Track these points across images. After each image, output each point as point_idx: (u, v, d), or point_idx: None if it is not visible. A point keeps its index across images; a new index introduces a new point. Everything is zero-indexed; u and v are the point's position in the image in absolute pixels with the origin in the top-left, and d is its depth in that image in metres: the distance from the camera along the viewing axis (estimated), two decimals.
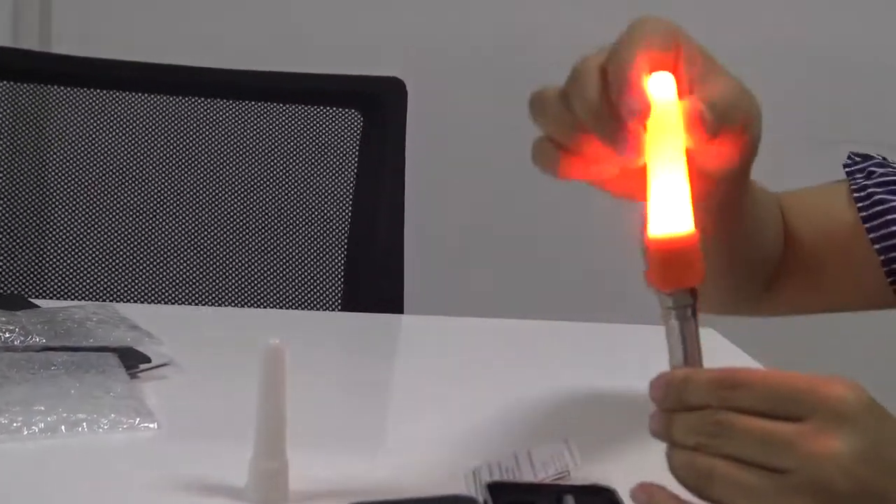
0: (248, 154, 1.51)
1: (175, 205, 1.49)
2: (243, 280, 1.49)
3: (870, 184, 0.92)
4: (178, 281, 1.48)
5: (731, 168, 0.75)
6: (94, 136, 1.49)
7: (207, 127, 1.51)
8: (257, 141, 1.51)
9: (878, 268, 0.91)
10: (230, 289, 1.49)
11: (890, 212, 0.90)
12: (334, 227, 1.50)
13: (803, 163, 2.20)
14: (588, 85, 0.71)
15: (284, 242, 1.50)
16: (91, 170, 1.49)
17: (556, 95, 0.72)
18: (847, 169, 0.95)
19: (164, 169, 1.50)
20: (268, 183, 1.50)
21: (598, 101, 0.70)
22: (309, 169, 1.51)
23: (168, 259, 1.48)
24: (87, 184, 1.49)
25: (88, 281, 1.47)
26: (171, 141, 1.50)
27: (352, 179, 1.50)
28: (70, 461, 0.85)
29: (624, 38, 0.71)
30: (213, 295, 1.48)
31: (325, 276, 1.49)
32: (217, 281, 1.49)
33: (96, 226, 1.48)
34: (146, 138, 1.50)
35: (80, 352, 1.01)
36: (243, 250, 1.49)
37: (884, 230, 0.90)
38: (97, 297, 1.45)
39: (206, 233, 1.49)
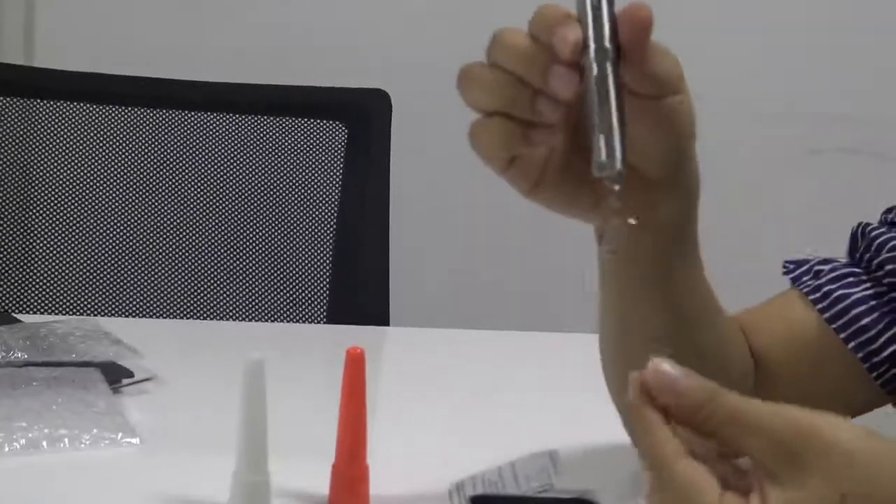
0: (231, 166, 1.50)
1: (159, 218, 1.49)
2: (227, 293, 1.48)
3: (822, 283, 0.88)
4: (161, 295, 1.47)
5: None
6: (77, 149, 1.49)
7: (191, 140, 1.50)
8: (241, 153, 1.51)
9: (852, 365, 0.87)
10: (214, 302, 1.48)
11: (854, 306, 0.86)
12: (319, 239, 1.50)
13: (795, 171, 2.22)
14: (514, 33, 0.71)
15: (269, 255, 1.49)
16: (74, 184, 1.48)
17: (481, 63, 0.72)
18: (791, 276, 0.90)
19: (147, 182, 1.49)
20: (252, 195, 1.50)
21: (528, 42, 0.70)
22: (293, 181, 1.50)
23: (151, 273, 1.47)
24: (70, 198, 1.48)
25: (71, 295, 1.46)
26: (155, 154, 1.50)
27: (336, 192, 1.50)
28: (52, 477, 0.85)
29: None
30: (197, 308, 1.48)
31: (310, 289, 1.49)
32: (201, 294, 1.48)
33: (79, 240, 1.47)
34: (130, 152, 1.50)
35: (63, 367, 1.01)
36: (227, 263, 1.49)
37: (854, 326, 0.86)
38: (80, 311, 1.45)
39: (189, 246, 1.49)
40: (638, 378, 0.61)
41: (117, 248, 1.48)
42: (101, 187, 1.49)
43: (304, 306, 1.49)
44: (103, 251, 1.47)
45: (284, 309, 1.48)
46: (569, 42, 0.68)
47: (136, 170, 1.50)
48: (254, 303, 1.48)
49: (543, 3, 0.72)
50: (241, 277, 1.48)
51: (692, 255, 0.81)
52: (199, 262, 1.48)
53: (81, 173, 1.49)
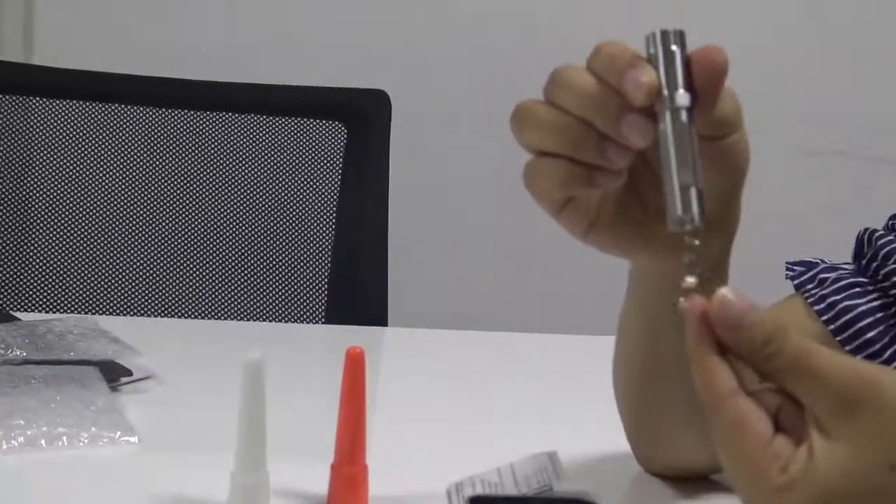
0: (230, 166, 1.50)
1: (157, 217, 1.49)
2: (226, 292, 1.48)
3: (827, 293, 0.87)
4: (159, 293, 1.47)
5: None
6: (76, 148, 1.49)
7: (191, 139, 1.50)
8: (240, 153, 1.51)
9: None
10: (213, 301, 1.48)
11: (860, 318, 0.85)
12: (318, 239, 1.50)
13: (791, 173, 2.22)
14: (577, 73, 0.67)
15: (267, 255, 1.49)
16: (72, 182, 1.48)
17: (541, 102, 0.68)
18: (795, 282, 0.89)
19: (146, 181, 1.49)
20: (251, 195, 1.50)
21: (595, 83, 0.66)
22: (292, 181, 1.50)
23: (150, 271, 1.47)
24: (68, 196, 1.48)
25: (70, 293, 1.46)
26: (154, 153, 1.50)
27: (335, 192, 1.50)
28: (50, 475, 0.85)
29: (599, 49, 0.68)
30: (196, 307, 1.48)
31: (308, 289, 1.49)
32: (200, 293, 1.48)
33: (78, 238, 1.47)
34: (129, 150, 1.50)
35: (61, 365, 1.01)
36: (226, 262, 1.49)
37: (859, 339, 0.85)
38: (78, 309, 1.45)
39: (188, 245, 1.49)
40: (697, 310, 0.59)
41: (116, 246, 1.47)
42: (99, 186, 1.49)
43: (302, 306, 1.48)
44: (102, 249, 1.47)
45: (283, 308, 1.48)
46: (643, 87, 0.64)
47: (134, 168, 1.49)
48: (252, 302, 1.48)
49: (605, 41, 0.68)
50: (239, 277, 1.48)
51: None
52: (198, 261, 1.48)
53: (80, 172, 1.49)
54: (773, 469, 0.58)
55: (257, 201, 1.50)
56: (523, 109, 0.69)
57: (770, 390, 0.60)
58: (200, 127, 1.51)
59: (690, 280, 0.62)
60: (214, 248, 1.49)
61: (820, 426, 0.58)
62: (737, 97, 0.71)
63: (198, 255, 1.48)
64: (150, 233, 1.48)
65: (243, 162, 1.50)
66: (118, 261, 1.47)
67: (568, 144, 0.68)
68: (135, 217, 1.48)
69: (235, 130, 1.51)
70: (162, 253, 1.48)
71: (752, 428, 0.59)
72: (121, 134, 1.50)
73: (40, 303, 1.45)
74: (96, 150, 1.49)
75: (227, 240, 1.49)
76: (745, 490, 0.60)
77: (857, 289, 0.86)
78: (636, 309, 0.82)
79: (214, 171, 1.50)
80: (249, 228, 1.49)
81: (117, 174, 1.49)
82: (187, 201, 1.49)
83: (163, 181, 1.49)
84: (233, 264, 1.49)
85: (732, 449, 0.59)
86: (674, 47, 0.65)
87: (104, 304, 1.47)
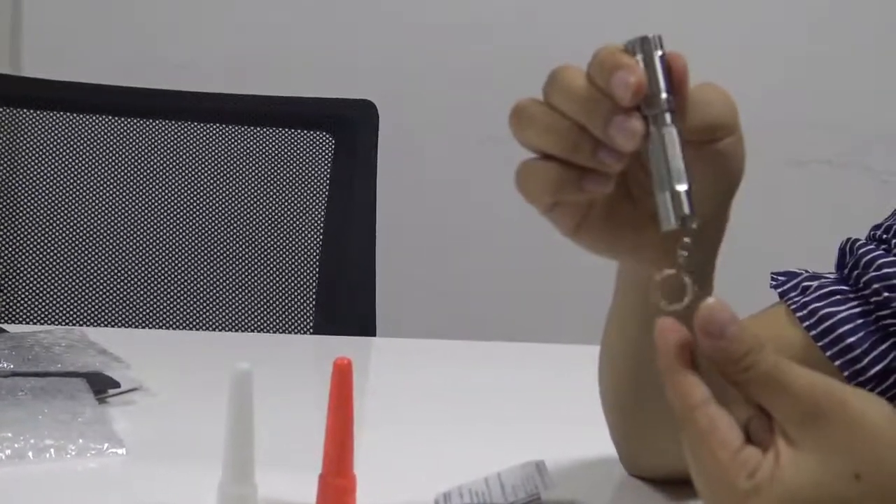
0: (218, 177, 1.50)
1: (145, 228, 1.49)
2: (214, 303, 1.48)
3: (809, 300, 0.88)
4: (148, 305, 1.47)
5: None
6: (64, 160, 1.49)
7: (178, 150, 1.50)
8: (228, 164, 1.51)
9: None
10: (201, 312, 1.48)
11: (840, 324, 0.86)
12: (306, 249, 1.50)
13: (779, 183, 2.22)
14: (572, 75, 0.67)
15: (255, 265, 1.49)
16: (60, 193, 1.48)
17: (540, 103, 0.68)
18: (779, 290, 0.90)
19: (134, 192, 1.49)
20: (239, 206, 1.50)
21: (587, 85, 0.66)
22: (280, 192, 1.50)
23: (138, 283, 1.47)
24: (56, 208, 1.48)
25: (57, 305, 1.46)
26: (142, 164, 1.50)
27: (323, 202, 1.50)
28: (37, 488, 0.84)
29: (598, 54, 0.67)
30: (184, 318, 1.48)
31: (296, 299, 1.49)
32: (188, 304, 1.48)
33: (66, 249, 1.47)
34: (116, 161, 1.50)
35: (48, 377, 1.01)
36: (214, 273, 1.49)
37: (839, 345, 0.86)
38: (66, 321, 1.44)
39: (176, 256, 1.48)
40: (669, 326, 0.61)
41: (104, 257, 1.47)
42: (87, 197, 1.48)
43: (290, 316, 1.48)
44: (90, 261, 1.47)
45: (271, 319, 1.48)
46: (630, 88, 0.64)
47: (123, 180, 1.49)
48: (241, 313, 1.48)
49: (606, 45, 0.67)
50: (227, 287, 1.48)
51: (708, 291, 0.80)
52: (186, 272, 1.48)
53: (68, 183, 1.48)
54: (740, 475, 0.59)
55: (245, 212, 1.50)
56: (522, 109, 0.69)
57: (740, 403, 0.61)
58: (188, 138, 1.51)
59: (669, 271, 0.63)
60: (202, 259, 1.49)
61: (787, 437, 0.60)
62: (733, 100, 0.71)
63: (186, 265, 1.48)
64: (138, 244, 1.48)
65: (231, 173, 1.51)
66: (106, 272, 1.47)
67: (564, 147, 0.68)
68: (123, 228, 1.48)
69: (223, 141, 1.51)
70: (150, 264, 1.48)
71: (722, 435, 0.60)
72: (108, 145, 1.50)
73: (28, 314, 1.45)
74: (83, 162, 1.49)
75: (215, 250, 1.49)
76: (712, 497, 0.61)
77: (838, 296, 0.87)
78: (622, 311, 0.83)
79: (202, 182, 1.50)
80: (237, 239, 1.49)
81: (105, 185, 1.49)
82: (175, 212, 1.49)
83: (150, 192, 1.49)
84: (221, 275, 1.48)
85: (703, 455, 0.60)
86: (655, 52, 0.66)
87: (92, 315, 1.46)
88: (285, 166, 1.51)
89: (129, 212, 1.49)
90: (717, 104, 0.70)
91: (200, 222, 1.49)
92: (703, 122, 0.69)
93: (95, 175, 1.49)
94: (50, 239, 1.47)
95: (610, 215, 0.72)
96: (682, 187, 0.64)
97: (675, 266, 0.64)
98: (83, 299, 1.47)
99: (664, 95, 0.65)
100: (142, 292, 1.47)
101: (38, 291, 1.46)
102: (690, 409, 0.60)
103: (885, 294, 0.85)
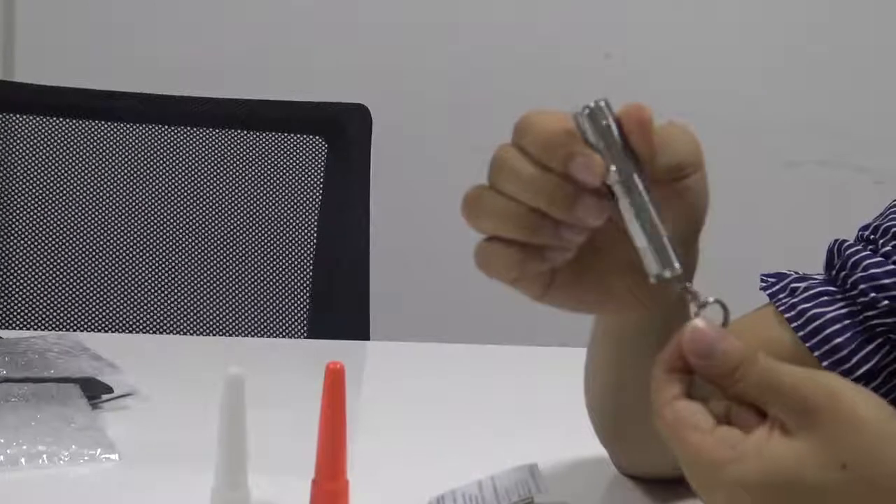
0: (211, 181, 1.50)
1: (138, 233, 1.48)
2: (207, 308, 1.48)
3: (797, 301, 0.88)
4: (141, 310, 1.47)
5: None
6: (57, 164, 1.49)
7: (171, 154, 1.50)
8: (221, 168, 1.51)
9: None
10: (194, 317, 1.48)
11: (827, 325, 0.87)
12: (299, 253, 1.50)
13: (773, 183, 2.22)
14: (517, 161, 0.67)
15: (249, 269, 1.49)
16: (53, 199, 1.48)
17: (490, 191, 0.68)
18: (768, 292, 0.91)
19: (127, 197, 1.49)
20: (232, 210, 1.50)
21: (539, 172, 0.66)
22: (273, 196, 1.50)
23: (131, 287, 1.47)
24: (49, 213, 1.48)
25: (51, 311, 1.46)
26: (135, 169, 1.50)
27: (316, 206, 1.50)
28: (30, 494, 0.84)
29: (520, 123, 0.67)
30: (177, 323, 1.47)
31: (290, 304, 1.49)
32: (180, 309, 1.48)
33: (59, 255, 1.47)
34: (110, 166, 1.49)
35: (41, 383, 1.00)
36: (208, 278, 1.48)
37: (827, 345, 0.87)
38: (59, 326, 1.44)
39: (169, 261, 1.48)
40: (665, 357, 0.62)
41: (97, 263, 1.47)
42: (81, 203, 1.48)
43: (284, 321, 1.48)
44: (83, 266, 1.47)
45: (265, 323, 1.48)
46: (593, 171, 0.65)
47: (116, 185, 1.49)
48: (234, 317, 1.48)
49: (530, 114, 0.67)
50: (220, 292, 1.48)
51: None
52: (179, 276, 1.48)
53: (61, 188, 1.48)
54: (718, 449, 0.60)
55: (238, 216, 1.50)
56: (474, 198, 0.70)
57: (717, 400, 0.62)
58: (181, 142, 1.51)
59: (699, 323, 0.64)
60: (196, 263, 1.49)
61: (783, 428, 0.61)
62: (695, 136, 0.71)
63: (179, 270, 1.48)
64: (131, 249, 1.48)
65: (224, 177, 1.50)
66: (99, 277, 1.47)
67: (523, 232, 0.68)
68: (116, 233, 1.48)
69: (216, 146, 1.51)
70: (143, 269, 1.48)
71: (691, 420, 0.61)
72: (101, 150, 1.50)
73: (21, 320, 1.45)
74: (76, 167, 1.49)
75: (209, 254, 1.49)
76: (699, 480, 0.62)
77: (826, 297, 0.88)
78: (607, 320, 0.83)
79: (195, 187, 1.50)
80: (231, 243, 1.49)
81: (98, 190, 1.49)
82: (168, 217, 1.49)
83: (143, 197, 1.49)
84: (214, 280, 1.48)
85: (679, 447, 0.61)
86: (605, 122, 0.65)
87: (85, 320, 1.46)
88: (279, 170, 1.51)
89: (123, 217, 1.49)
90: (682, 143, 0.70)
91: (194, 227, 1.49)
92: (671, 162, 0.69)
93: (89, 180, 1.49)
94: (43, 244, 1.47)
95: (576, 272, 0.72)
96: (662, 236, 0.65)
97: (691, 297, 0.65)
98: (76, 305, 1.46)
99: (624, 163, 0.65)
100: (135, 297, 1.47)
101: (31, 297, 1.46)
102: (661, 405, 0.62)
103: (872, 294, 0.85)
